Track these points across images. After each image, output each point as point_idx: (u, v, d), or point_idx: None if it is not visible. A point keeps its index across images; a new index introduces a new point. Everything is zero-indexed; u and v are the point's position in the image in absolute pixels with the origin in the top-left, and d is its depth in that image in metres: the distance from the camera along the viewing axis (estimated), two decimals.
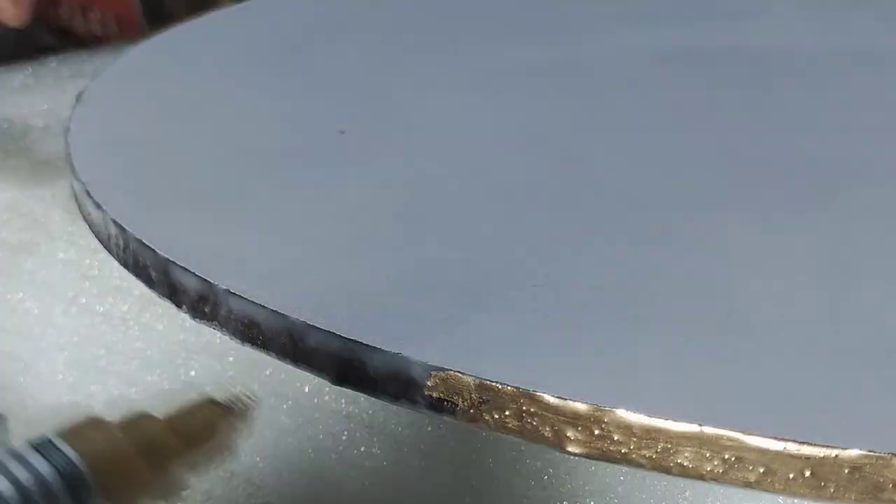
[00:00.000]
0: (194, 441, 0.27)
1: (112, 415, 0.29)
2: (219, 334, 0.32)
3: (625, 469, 0.29)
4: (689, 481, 0.28)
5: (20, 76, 0.52)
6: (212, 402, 0.28)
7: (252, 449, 0.38)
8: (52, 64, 0.53)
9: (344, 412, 0.37)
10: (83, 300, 0.42)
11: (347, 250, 0.34)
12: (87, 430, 0.25)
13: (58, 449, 0.24)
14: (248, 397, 0.28)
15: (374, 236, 0.35)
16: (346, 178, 0.38)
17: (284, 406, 0.38)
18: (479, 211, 0.36)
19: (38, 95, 0.50)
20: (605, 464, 0.28)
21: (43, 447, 0.24)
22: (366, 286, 0.32)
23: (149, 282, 0.34)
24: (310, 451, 0.37)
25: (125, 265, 0.35)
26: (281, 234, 0.35)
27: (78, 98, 0.44)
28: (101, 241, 0.36)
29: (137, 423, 0.26)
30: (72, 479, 0.24)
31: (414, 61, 0.47)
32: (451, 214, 0.36)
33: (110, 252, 0.36)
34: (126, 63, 0.48)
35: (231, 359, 0.39)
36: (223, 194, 0.37)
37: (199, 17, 0.51)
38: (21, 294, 0.43)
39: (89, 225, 0.37)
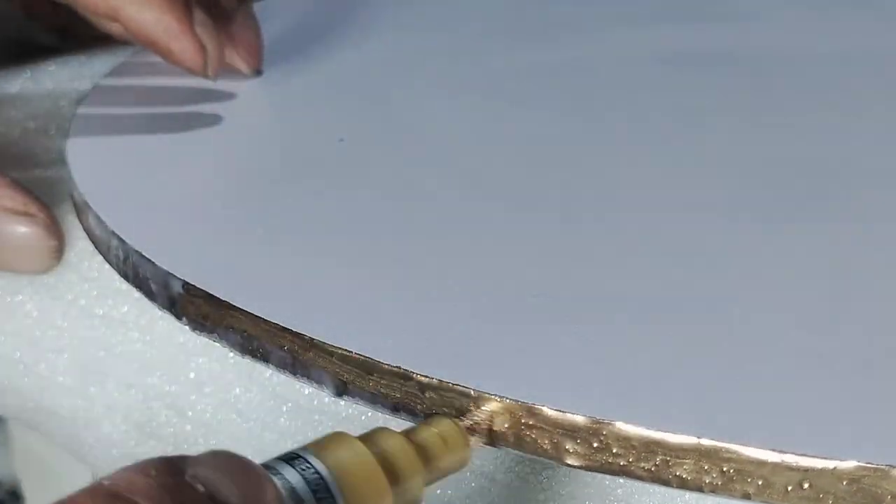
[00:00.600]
0: (431, 456, 0.27)
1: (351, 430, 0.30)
2: None
3: None
4: None
5: (19, 80, 0.52)
6: (447, 419, 0.28)
7: (253, 451, 0.38)
8: (51, 67, 0.53)
9: (343, 414, 0.36)
10: (83, 302, 0.42)
11: (347, 262, 0.34)
12: (332, 443, 0.26)
13: (306, 461, 0.25)
14: (484, 411, 0.28)
15: (373, 247, 0.35)
16: (346, 187, 0.38)
17: (284, 408, 0.38)
18: (478, 219, 0.36)
19: (36, 99, 0.50)
20: None
21: (292, 459, 0.25)
22: (365, 298, 0.32)
23: (149, 294, 0.34)
24: None
25: (125, 277, 0.35)
26: (281, 246, 0.35)
27: (77, 105, 0.44)
28: (101, 252, 0.36)
29: (378, 438, 0.27)
30: (319, 490, 0.25)
31: (413, 65, 0.47)
32: (450, 223, 0.36)
33: (110, 263, 0.36)
34: (124, 69, 0.48)
35: (232, 361, 0.39)
36: (223, 204, 0.37)
37: None
38: (20, 296, 0.43)
39: (89, 236, 0.37)
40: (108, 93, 0.45)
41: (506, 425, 0.28)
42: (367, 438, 0.26)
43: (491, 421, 0.28)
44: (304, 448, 0.25)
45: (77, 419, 0.42)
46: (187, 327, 0.33)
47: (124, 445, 0.41)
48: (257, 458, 0.38)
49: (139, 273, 0.34)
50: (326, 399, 0.37)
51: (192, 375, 0.40)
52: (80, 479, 0.44)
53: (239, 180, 0.39)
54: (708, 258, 0.34)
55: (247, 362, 0.38)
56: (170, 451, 0.39)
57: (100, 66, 0.52)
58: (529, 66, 0.47)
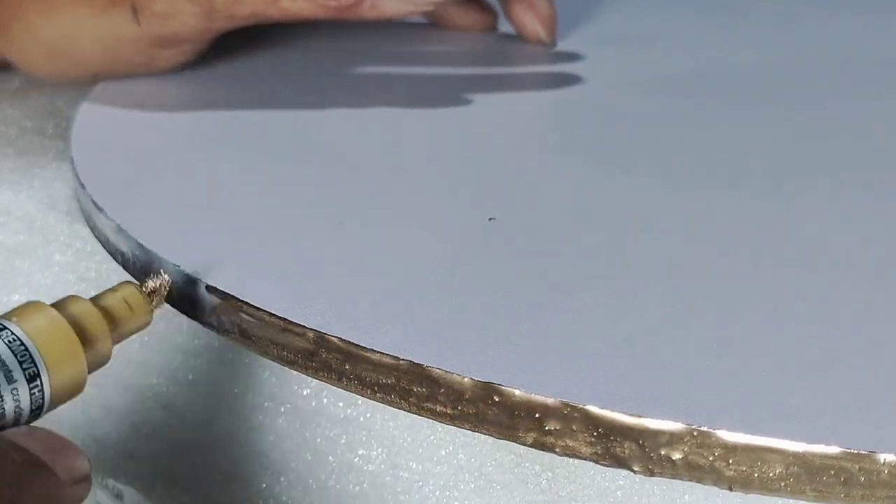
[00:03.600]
0: (118, 319, 0.30)
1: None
2: (216, 337, 0.32)
3: (623, 473, 0.29)
4: (687, 485, 0.28)
5: (17, 78, 0.52)
6: (131, 284, 0.31)
7: (250, 453, 0.38)
8: None
9: (342, 416, 0.36)
10: None
11: (347, 258, 0.33)
12: (29, 311, 0.28)
13: (7, 329, 0.28)
14: (163, 277, 0.31)
15: (376, 244, 0.34)
16: (350, 184, 0.38)
17: (282, 409, 0.38)
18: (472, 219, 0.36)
19: (34, 98, 0.50)
20: (605, 468, 0.28)
21: None
22: (366, 292, 0.31)
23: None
24: (307, 454, 0.37)
25: (125, 267, 0.34)
26: (283, 240, 0.34)
27: (81, 101, 0.43)
28: (101, 243, 0.36)
29: (69, 305, 0.29)
30: (20, 352, 0.27)
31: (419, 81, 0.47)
32: (457, 225, 0.36)
33: (112, 256, 0.35)
34: None
35: (229, 363, 0.39)
36: (225, 199, 0.37)
37: None
38: (17, 296, 0.43)
39: (91, 227, 0.37)
40: (111, 92, 0.45)
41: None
42: (59, 305, 0.29)
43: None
44: (3, 317, 0.28)
45: (74, 420, 0.42)
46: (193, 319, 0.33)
47: (122, 446, 0.41)
48: (254, 460, 0.38)
49: (137, 264, 0.34)
50: (325, 400, 0.37)
51: (189, 377, 0.40)
52: None
53: (241, 175, 0.38)
54: (709, 261, 0.34)
55: (244, 364, 0.38)
56: (167, 452, 0.39)
57: None
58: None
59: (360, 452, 0.36)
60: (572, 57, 0.50)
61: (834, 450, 0.25)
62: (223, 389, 0.39)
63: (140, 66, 0.45)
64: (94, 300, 0.30)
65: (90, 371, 0.29)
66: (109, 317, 0.30)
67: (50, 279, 0.43)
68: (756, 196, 0.38)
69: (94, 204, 0.36)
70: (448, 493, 0.35)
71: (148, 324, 0.31)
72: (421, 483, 0.36)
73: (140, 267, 0.34)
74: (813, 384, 0.28)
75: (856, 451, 0.25)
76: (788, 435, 0.26)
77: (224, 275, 0.32)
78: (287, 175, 0.39)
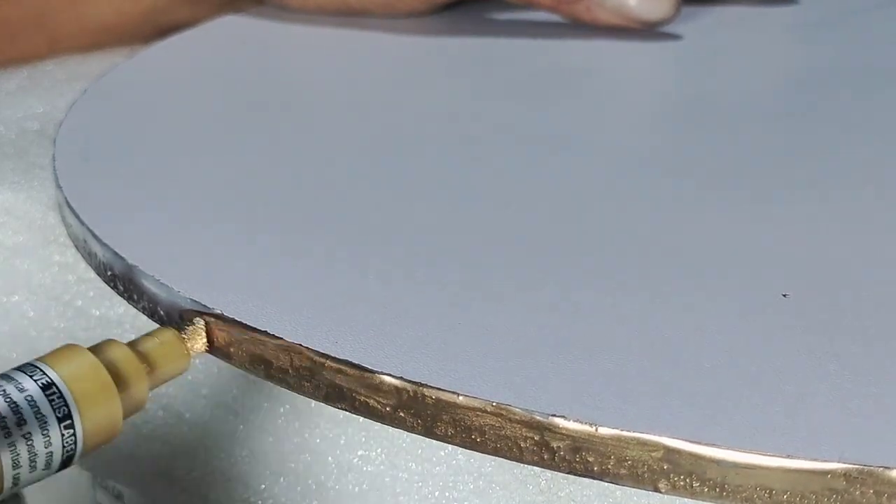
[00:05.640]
0: (154, 364, 0.30)
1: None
2: None
3: None
4: None
5: (16, 79, 0.52)
6: (169, 329, 0.31)
7: (249, 453, 0.38)
8: (49, 67, 0.53)
9: (341, 416, 0.36)
10: (79, 303, 0.42)
11: (336, 273, 0.33)
12: (63, 353, 0.28)
13: (40, 370, 0.27)
14: (200, 322, 0.31)
15: (368, 264, 0.33)
16: (341, 200, 0.37)
17: (281, 410, 0.38)
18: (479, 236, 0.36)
19: (33, 98, 0.50)
20: None
21: (27, 369, 0.27)
22: (361, 313, 0.31)
23: (125, 295, 0.33)
24: (307, 455, 0.37)
25: (99, 273, 0.34)
26: (272, 254, 0.34)
27: (72, 105, 0.43)
28: (78, 248, 0.36)
29: (106, 349, 0.29)
30: (54, 396, 0.27)
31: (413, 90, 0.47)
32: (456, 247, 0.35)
33: (89, 264, 0.35)
34: (122, 71, 0.48)
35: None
36: (210, 212, 0.36)
37: (198, 27, 0.51)
38: (17, 297, 0.43)
39: (68, 233, 0.37)
40: (102, 95, 0.45)
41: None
42: (95, 349, 0.29)
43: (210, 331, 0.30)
44: (38, 359, 0.28)
45: None
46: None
47: (120, 448, 0.41)
48: (253, 460, 0.38)
49: (114, 272, 0.33)
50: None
51: (188, 377, 0.40)
52: (79, 480, 0.44)
53: (226, 188, 0.38)
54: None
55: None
56: (166, 452, 0.39)
57: (96, 66, 0.52)
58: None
59: (359, 453, 0.36)
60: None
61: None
62: (223, 389, 0.39)
63: (383, 6, 0.51)
64: (131, 344, 0.30)
65: (126, 416, 0.29)
66: (146, 361, 0.30)
67: (50, 279, 0.43)
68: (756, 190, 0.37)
69: (69, 206, 0.35)
70: (448, 493, 0.35)
71: (185, 369, 0.31)
72: (420, 483, 0.36)
73: (120, 277, 0.33)
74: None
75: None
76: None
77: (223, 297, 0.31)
78: (279, 189, 0.38)
